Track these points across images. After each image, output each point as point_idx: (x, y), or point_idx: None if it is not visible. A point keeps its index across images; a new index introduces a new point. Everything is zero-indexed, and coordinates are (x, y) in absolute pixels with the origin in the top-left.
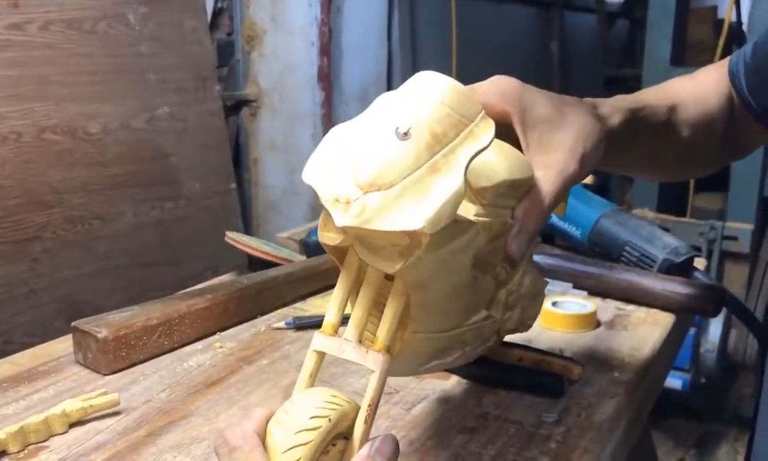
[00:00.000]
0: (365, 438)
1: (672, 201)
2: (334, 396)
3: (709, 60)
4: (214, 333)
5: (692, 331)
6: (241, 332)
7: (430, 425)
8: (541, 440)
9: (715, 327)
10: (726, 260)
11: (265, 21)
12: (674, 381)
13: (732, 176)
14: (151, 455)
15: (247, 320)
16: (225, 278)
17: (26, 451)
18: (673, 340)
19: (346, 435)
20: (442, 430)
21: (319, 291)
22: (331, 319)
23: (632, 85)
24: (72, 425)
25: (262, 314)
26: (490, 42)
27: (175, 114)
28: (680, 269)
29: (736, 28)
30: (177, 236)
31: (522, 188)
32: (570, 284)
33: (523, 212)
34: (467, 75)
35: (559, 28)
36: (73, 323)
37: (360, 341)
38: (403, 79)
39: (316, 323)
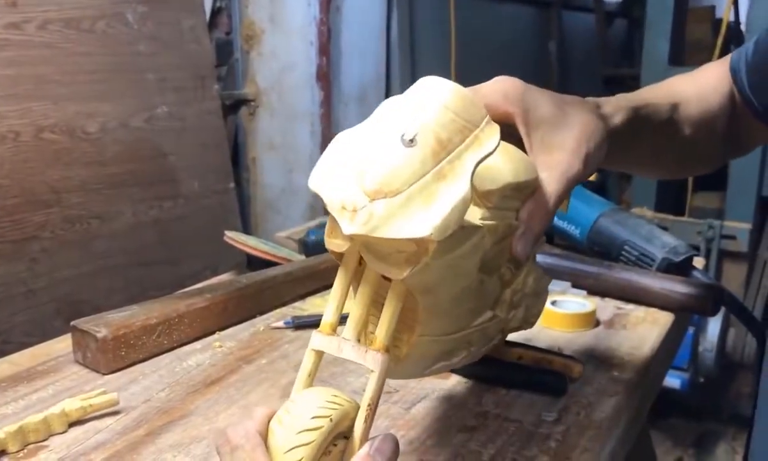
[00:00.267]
0: (365, 438)
1: (670, 200)
2: (335, 396)
3: (708, 59)
4: (213, 333)
5: (691, 330)
6: (240, 332)
7: (430, 424)
8: (540, 439)
9: (713, 326)
10: (724, 260)
11: (263, 20)
12: (673, 381)
13: (730, 175)
14: (150, 454)
15: (246, 320)
16: (224, 277)
17: (25, 451)
18: (672, 339)
19: (347, 435)
20: (441, 429)
21: (318, 291)
22: (329, 318)
23: (631, 84)
24: (71, 424)
25: (261, 313)
26: (489, 42)
27: (173, 113)
28: (679, 268)
29: (734, 28)
30: (176, 235)
31: (527, 189)
32: (569, 284)
33: (527, 214)
34: (466, 75)
35: (557, 28)
36: (72, 323)
37: (359, 340)
38: (402, 78)
39: (315, 323)
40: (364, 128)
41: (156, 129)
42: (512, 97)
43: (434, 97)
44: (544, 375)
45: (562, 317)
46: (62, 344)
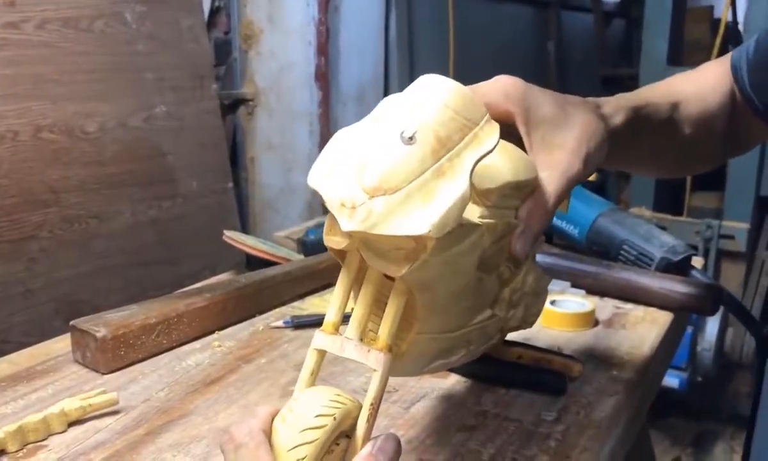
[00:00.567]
0: (368, 437)
1: (669, 200)
2: (338, 395)
3: (706, 59)
4: (212, 332)
5: (689, 330)
6: (240, 331)
7: (429, 423)
8: (540, 438)
9: (711, 326)
10: (722, 259)
11: (262, 20)
12: (671, 380)
13: (728, 175)
14: (150, 454)
15: (245, 319)
16: (223, 277)
17: (25, 450)
18: (670, 338)
19: (349, 434)
20: (441, 428)
21: (317, 290)
22: (331, 317)
23: (629, 84)
24: (71, 424)
25: (261, 313)
26: (488, 42)
27: (172, 113)
28: (678, 267)
29: (732, 28)
30: (174, 235)
31: (526, 188)
32: (568, 283)
33: (527, 213)
34: (464, 75)
35: (556, 28)
36: (71, 323)
37: (361, 340)
38: (401, 78)
39: (314, 322)
40: (363, 126)
41: (154, 129)
42: (512, 96)
43: (434, 95)
44: (543, 375)
45: (562, 316)
46: (61, 343)
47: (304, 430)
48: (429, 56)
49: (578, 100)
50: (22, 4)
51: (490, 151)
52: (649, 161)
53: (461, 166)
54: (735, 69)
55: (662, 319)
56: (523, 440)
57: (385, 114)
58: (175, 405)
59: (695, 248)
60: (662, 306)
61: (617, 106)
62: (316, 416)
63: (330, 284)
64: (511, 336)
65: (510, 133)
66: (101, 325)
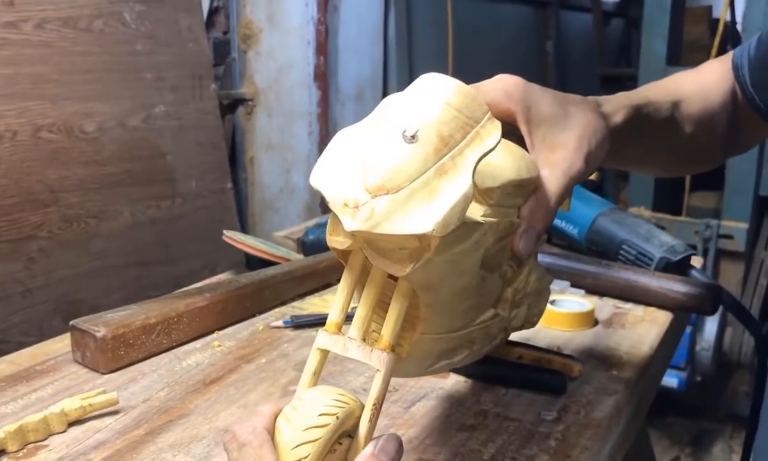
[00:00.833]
0: (370, 437)
1: (667, 200)
2: (341, 394)
3: (705, 59)
4: (212, 332)
5: (688, 329)
6: (240, 331)
7: (429, 423)
8: (540, 438)
9: (710, 326)
10: (721, 259)
11: (261, 20)
12: (670, 380)
13: (727, 174)
14: (150, 454)
15: (245, 319)
16: (223, 277)
17: (25, 450)
18: (670, 338)
19: (351, 434)
20: (441, 428)
21: (317, 290)
22: (334, 317)
23: (628, 84)
24: (71, 424)
25: (261, 312)
26: (486, 41)
27: (171, 113)
28: (677, 267)
29: (730, 28)
30: (173, 234)
31: (528, 187)
32: (568, 283)
33: (529, 211)
34: (463, 74)
35: (554, 28)
36: (71, 322)
37: (364, 340)
38: (400, 78)
39: (313, 322)
40: (364, 126)
41: (153, 128)
42: (514, 95)
43: (436, 93)
44: (543, 374)
45: (561, 316)
46: (61, 343)
47: (308, 429)
48: (428, 56)
49: (579, 98)
50: (21, 3)
51: (492, 149)
52: (650, 160)
53: (464, 164)
54: (736, 68)
55: (662, 319)
56: (523, 439)
57: (386, 113)
58: (175, 405)
59: (694, 247)
60: (662, 306)
61: (618, 104)
62: (320, 415)
63: (330, 283)
64: (511, 336)
65: (511, 132)
66: (101, 325)
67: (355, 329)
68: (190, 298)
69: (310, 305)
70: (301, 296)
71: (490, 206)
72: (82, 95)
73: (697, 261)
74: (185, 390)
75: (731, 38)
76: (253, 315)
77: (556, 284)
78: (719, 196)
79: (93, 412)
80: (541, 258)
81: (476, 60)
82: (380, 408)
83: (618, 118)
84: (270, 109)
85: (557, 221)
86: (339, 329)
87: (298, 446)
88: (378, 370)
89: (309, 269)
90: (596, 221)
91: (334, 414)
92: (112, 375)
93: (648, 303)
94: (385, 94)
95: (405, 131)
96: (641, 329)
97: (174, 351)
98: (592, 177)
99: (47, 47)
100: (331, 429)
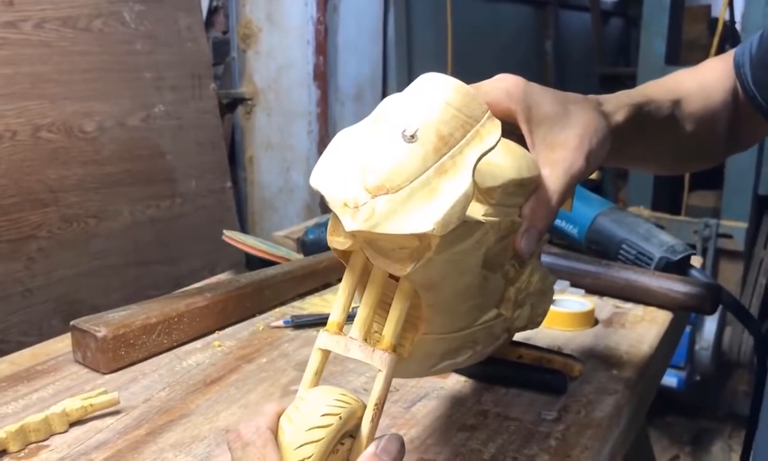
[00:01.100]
0: (372, 437)
1: (667, 199)
2: (344, 394)
3: (704, 58)
4: (212, 332)
5: (687, 329)
6: (240, 331)
7: (430, 423)
8: (540, 437)
9: (710, 325)
10: (721, 258)
11: (260, 19)
12: (669, 379)
13: (726, 174)
14: (151, 454)
15: (245, 319)
16: (223, 277)
17: (26, 450)
18: (670, 338)
19: (353, 434)
20: (441, 428)
21: (317, 290)
22: (336, 317)
23: (627, 83)
24: (72, 424)
25: (261, 312)
26: (486, 41)
27: (170, 112)
28: (677, 267)
29: (729, 27)
30: (173, 234)
31: (529, 186)
32: (568, 283)
33: (531, 211)
34: (462, 74)
35: (553, 27)
36: (72, 323)
37: (365, 340)
38: (399, 77)
39: (314, 322)
40: (364, 126)
41: (153, 128)
42: (514, 95)
43: (435, 93)
44: (543, 374)
45: (561, 316)
46: (62, 343)
47: (311, 429)
48: (427, 56)
49: (580, 97)
50: (21, 3)
51: (492, 147)
52: (651, 158)
53: (464, 163)
54: (738, 66)
55: (662, 318)
56: (523, 439)
57: (386, 114)
58: (176, 405)
59: (693, 247)
60: (662, 306)
61: (619, 103)
62: (323, 415)
63: (330, 283)
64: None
65: (512, 131)
66: (102, 325)
67: (356, 329)
68: (191, 298)
69: (311, 305)
70: (301, 296)
71: (491, 205)
72: (82, 95)
73: (696, 261)
74: (186, 390)
75: (730, 37)
76: (254, 315)
77: (556, 284)
78: (718, 195)
79: (94, 412)
80: (542, 258)
81: (476, 60)
82: (382, 408)
83: (619, 116)
84: (269, 109)
85: (557, 221)
86: (340, 330)
87: (301, 446)
88: (380, 370)
89: (309, 269)
90: (596, 220)
91: (336, 414)
92: (113, 375)
93: (648, 303)
94: (384, 93)
95: (404, 131)
96: (641, 328)
97: (174, 350)
98: (593, 176)
99: (47, 47)
100: (334, 429)
